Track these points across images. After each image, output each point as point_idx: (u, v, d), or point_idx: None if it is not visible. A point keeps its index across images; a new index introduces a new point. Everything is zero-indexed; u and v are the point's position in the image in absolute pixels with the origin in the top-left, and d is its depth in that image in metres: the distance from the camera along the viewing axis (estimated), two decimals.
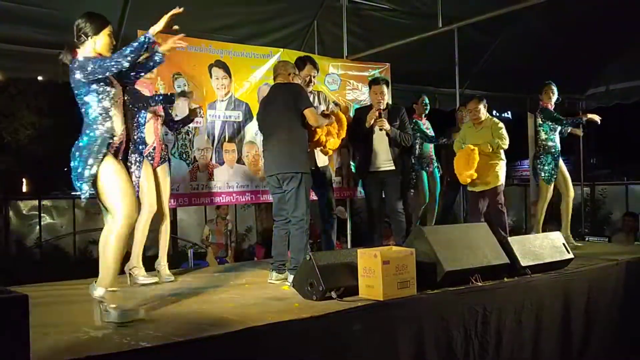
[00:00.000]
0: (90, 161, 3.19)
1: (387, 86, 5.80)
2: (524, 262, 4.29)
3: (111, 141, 3.27)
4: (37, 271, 8.58)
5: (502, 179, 5.76)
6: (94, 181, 3.20)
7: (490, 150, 5.63)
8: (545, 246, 4.56)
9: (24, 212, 11.82)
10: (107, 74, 3.19)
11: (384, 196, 5.73)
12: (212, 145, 5.62)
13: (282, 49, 6.22)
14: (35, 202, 11.77)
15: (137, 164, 4.43)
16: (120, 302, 3.22)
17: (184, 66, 5.44)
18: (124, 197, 3.21)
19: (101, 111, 3.26)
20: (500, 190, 5.76)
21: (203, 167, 5.54)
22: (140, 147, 4.46)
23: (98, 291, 3.16)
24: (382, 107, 5.57)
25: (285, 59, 6.11)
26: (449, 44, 6.59)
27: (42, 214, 11.51)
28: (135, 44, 3.18)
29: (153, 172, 4.57)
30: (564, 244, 4.69)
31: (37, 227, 11.46)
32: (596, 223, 11.50)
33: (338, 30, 6.89)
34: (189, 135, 5.44)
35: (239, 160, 5.81)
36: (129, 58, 3.17)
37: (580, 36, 7.66)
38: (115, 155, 3.33)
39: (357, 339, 3.26)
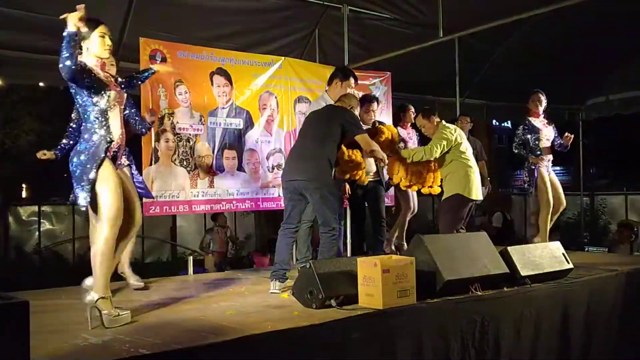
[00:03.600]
0: (89, 165, 3.22)
1: (378, 104, 5.91)
2: (523, 272, 4.29)
3: (109, 145, 3.30)
4: (36, 277, 8.58)
5: (454, 190, 5.20)
6: (92, 186, 3.22)
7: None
8: (545, 256, 4.56)
9: (24, 217, 11.82)
10: (67, 76, 3.11)
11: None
12: (213, 152, 5.64)
13: (283, 57, 6.25)
14: (35, 208, 11.78)
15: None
16: (110, 307, 3.21)
17: (185, 73, 5.46)
18: (113, 202, 3.23)
19: (97, 115, 3.28)
20: (449, 203, 5.24)
21: (203, 174, 5.55)
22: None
23: (90, 296, 3.21)
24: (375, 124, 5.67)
25: (285, 67, 6.17)
26: (449, 53, 6.62)
27: (41, 220, 11.52)
28: (63, 43, 3.04)
29: None
30: (563, 254, 4.69)
31: (37, 233, 11.46)
32: (596, 233, 11.50)
33: (339, 39, 6.91)
34: (189, 142, 5.45)
35: (240, 168, 5.82)
36: (63, 56, 3.04)
37: (580, 46, 7.69)
38: (114, 160, 3.35)
39: (356, 348, 3.25)
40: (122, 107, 3.50)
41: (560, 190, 6.01)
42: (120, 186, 3.31)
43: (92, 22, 3.33)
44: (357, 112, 4.84)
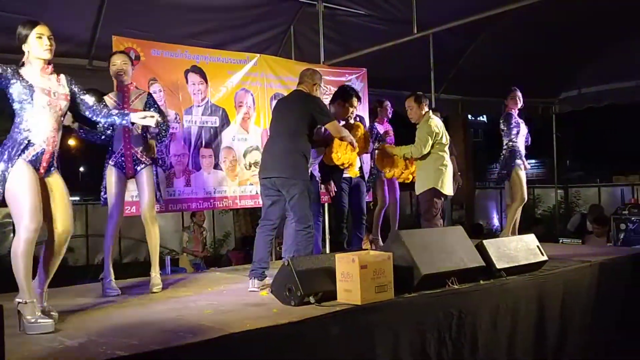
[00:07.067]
0: (5, 162, 3.17)
1: (359, 100, 5.68)
2: (499, 265, 4.34)
3: (27, 149, 3.21)
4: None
5: (430, 184, 5.34)
6: (4, 183, 3.16)
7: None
8: (520, 249, 4.61)
9: None
10: None
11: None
12: (189, 150, 5.60)
13: (258, 55, 6.23)
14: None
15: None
16: (31, 313, 3.11)
17: (159, 72, 5.41)
18: (25, 209, 3.13)
19: (23, 117, 3.22)
20: (427, 197, 5.38)
21: (179, 173, 5.51)
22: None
23: (15, 302, 3.15)
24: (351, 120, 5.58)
25: (261, 64, 6.15)
26: (424, 49, 6.65)
27: None
28: None
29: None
30: (538, 246, 4.75)
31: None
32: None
33: (315, 36, 6.92)
34: (165, 141, 5.40)
35: (216, 166, 5.79)
36: None
37: (554, 41, 7.79)
38: (35, 164, 3.23)
39: (336, 344, 3.27)
40: (60, 112, 3.35)
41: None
42: (34, 188, 3.18)
43: (29, 23, 3.29)
44: (320, 86, 4.80)
